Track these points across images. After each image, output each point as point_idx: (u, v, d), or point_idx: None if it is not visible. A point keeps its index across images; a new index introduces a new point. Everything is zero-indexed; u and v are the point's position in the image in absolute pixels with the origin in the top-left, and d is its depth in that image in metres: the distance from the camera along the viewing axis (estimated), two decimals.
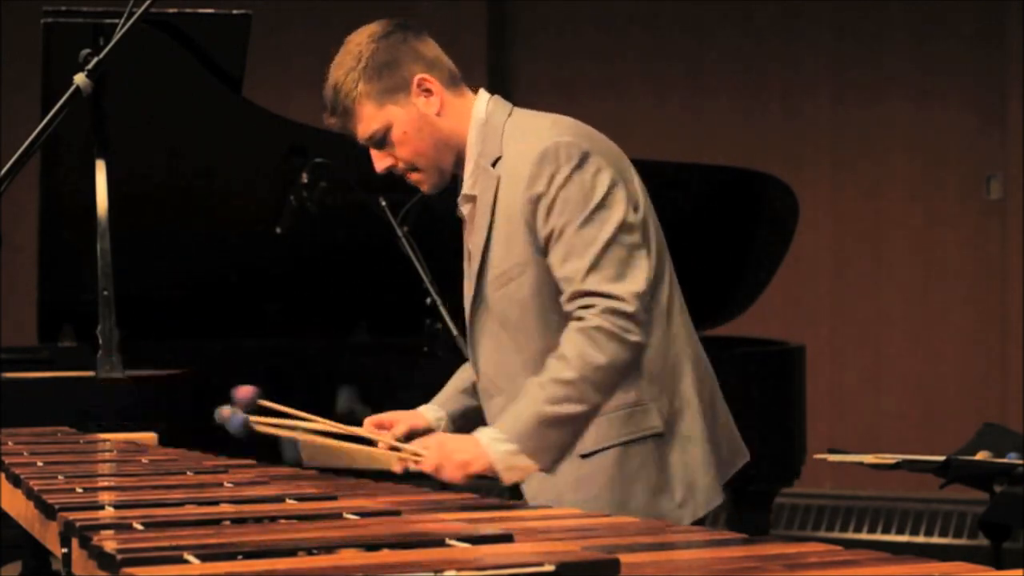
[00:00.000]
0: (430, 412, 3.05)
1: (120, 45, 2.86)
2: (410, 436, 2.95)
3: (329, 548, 1.74)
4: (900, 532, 7.10)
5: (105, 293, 3.89)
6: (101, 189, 4.03)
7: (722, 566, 1.83)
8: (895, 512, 7.14)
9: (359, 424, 2.99)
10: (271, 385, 3.11)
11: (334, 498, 2.24)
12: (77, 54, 3.63)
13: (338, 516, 2.05)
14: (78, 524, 1.93)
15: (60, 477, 2.45)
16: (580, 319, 2.72)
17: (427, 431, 2.98)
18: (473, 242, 2.90)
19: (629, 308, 2.70)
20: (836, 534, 7.07)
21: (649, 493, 2.82)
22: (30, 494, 2.33)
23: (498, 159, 2.84)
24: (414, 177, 2.91)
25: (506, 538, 1.81)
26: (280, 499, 2.21)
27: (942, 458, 3.44)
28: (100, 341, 3.86)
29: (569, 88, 7.40)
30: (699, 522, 2.81)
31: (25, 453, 2.82)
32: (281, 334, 5.03)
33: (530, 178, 2.77)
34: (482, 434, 2.75)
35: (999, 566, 2.06)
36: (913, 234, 7.34)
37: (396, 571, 1.59)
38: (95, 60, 2.86)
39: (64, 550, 1.99)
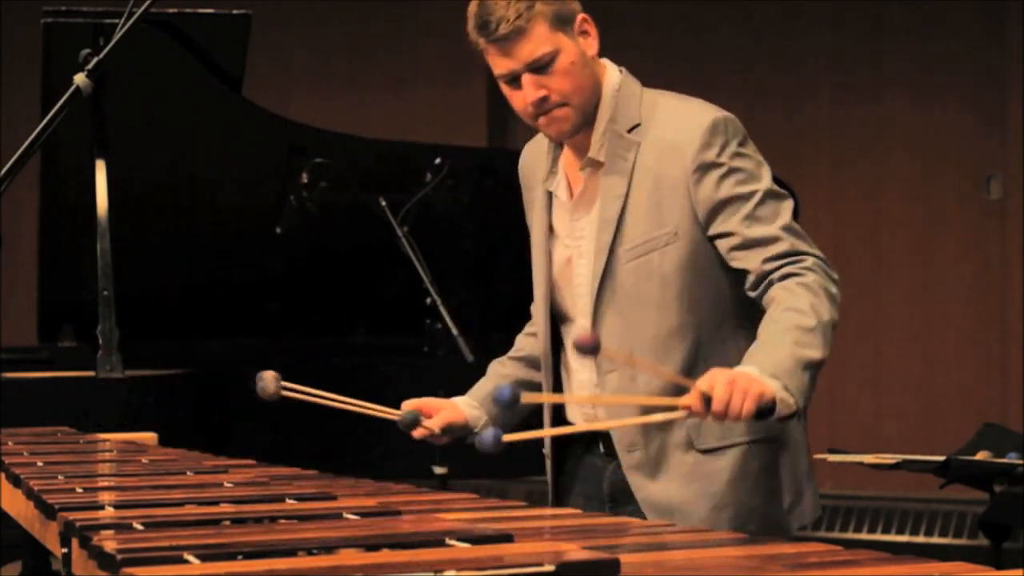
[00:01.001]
0: (467, 408, 2.92)
1: (120, 45, 2.86)
2: (446, 431, 2.86)
3: (329, 548, 1.74)
4: (900, 532, 7.09)
5: (105, 293, 3.89)
6: (101, 189, 4.03)
7: (722, 566, 1.84)
8: (895, 512, 7.13)
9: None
10: None
11: (334, 498, 2.24)
12: (77, 54, 3.64)
13: (338, 516, 2.05)
14: (78, 524, 1.93)
15: (60, 477, 2.45)
16: (797, 275, 2.61)
17: (464, 427, 2.88)
18: (599, 211, 2.76)
19: (831, 270, 2.65)
20: (836, 534, 7.07)
21: (767, 495, 2.76)
22: (30, 494, 2.33)
23: (636, 126, 2.74)
24: (559, 114, 2.72)
25: (506, 538, 1.81)
26: (280, 499, 2.22)
27: (942, 458, 3.44)
28: (100, 341, 3.86)
29: None
30: (801, 530, 2.75)
31: (25, 453, 2.82)
32: (281, 334, 5.03)
33: (701, 145, 2.68)
34: (749, 368, 2.45)
35: (999, 566, 2.06)
36: (913, 234, 7.33)
37: (396, 571, 1.59)
38: (95, 60, 2.86)
39: (64, 550, 1.99)
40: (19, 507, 2.52)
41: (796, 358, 2.48)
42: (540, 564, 1.59)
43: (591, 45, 2.74)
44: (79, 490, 2.30)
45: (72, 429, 3.36)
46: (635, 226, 2.72)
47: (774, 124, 7.27)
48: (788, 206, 2.70)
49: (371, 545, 1.76)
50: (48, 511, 2.16)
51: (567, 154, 2.84)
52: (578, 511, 2.39)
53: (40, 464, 2.66)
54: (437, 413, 2.87)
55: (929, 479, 3.59)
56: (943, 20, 7.24)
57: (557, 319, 2.89)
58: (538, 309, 2.91)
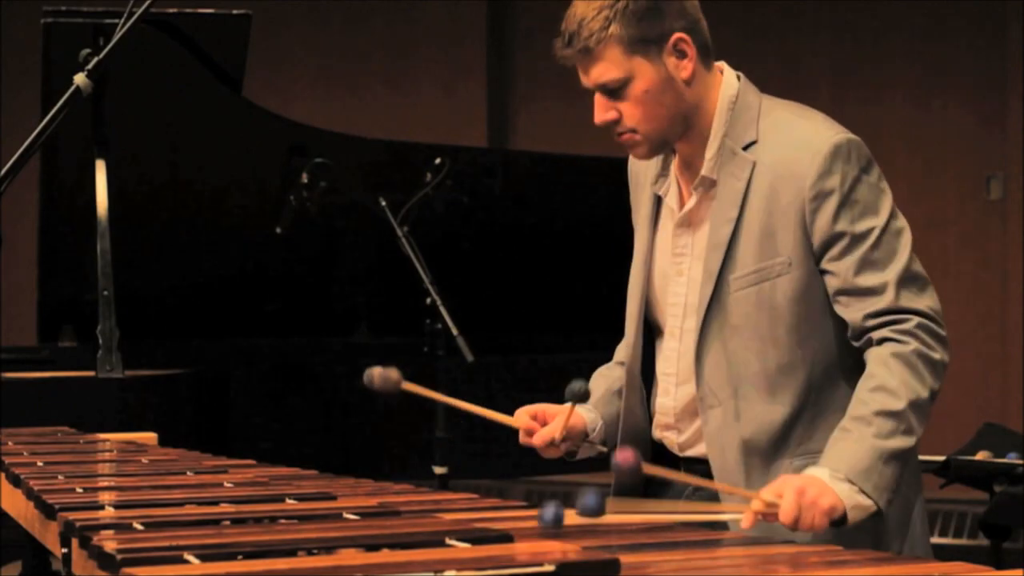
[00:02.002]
0: (585, 412, 2.72)
1: (120, 45, 2.86)
2: (566, 438, 2.67)
3: (329, 548, 1.74)
4: None
5: (105, 293, 3.89)
6: (101, 189, 4.03)
7: (722, 566, 1.84)
8: None
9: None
10: (271, 385, 3.12)
11: (334, 498, 2.24)
12: (77, 54, 3.64)
13: (338, 516, 2.04)
14: (78, 524, 1.93)
15: (60, 477, 2.45)
16: (895, 341, 2.46)
17: (583, 434, 2.71)
18: (709, 233, 2.59)
19: (940, 330, 2.49)
20: None
21: (873, 543, 2.47)
22: (30, 494, 2.33)
23: (752, 143, 2.57)
24: (628, 139, 2.58)
25: (506, 538, 1.81)
26: (280, 499, 2.21)
27: (942, 458, 3.44)
28: (100, 341, 3.86)
29: (569, 89, 7.39)
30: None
31: (25, 453, 2.82)
32: (281, 334, 5.02)
33: (821, 171, 2.51)
34: (817, 472, 2.35)
35: (999, 566, 2.06)
36: (913, 234, 7.32)
37: (396, 571, 1.59)
38: (95, 60, 2.86)
39: (64, 550, 1.99)
40: (19, 507, 2.52)
41: (877, 453, 2.37)
42: (540, 564, 1.59)
43: (685, 68, 2.56)
44: (79, 490, 2.30)
45: (72, 429, 3.36)
46: (746, 253, 2.55)
47: None
48: (906, 243, 2.55)
49: (371, 545, 1.76)
50: (48, 511, 2.16)
51: (679, 160, 2.66)
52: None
53: (40, 464, 2.66)
54: (553, 419, 2.68)
55: (929, 479, 3.58)
56: (943, 20, 7.24)
57: (652, 332, 2.72)
58: (631, 322, 2.73)
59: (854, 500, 2.32)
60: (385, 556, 1.71)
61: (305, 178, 4.64)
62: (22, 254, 4.64)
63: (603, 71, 2.54)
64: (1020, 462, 3.37)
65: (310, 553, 1.72)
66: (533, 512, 2.30)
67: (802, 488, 2.28)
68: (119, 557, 1.65)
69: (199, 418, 4.04)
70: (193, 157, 4.73)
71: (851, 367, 2.54)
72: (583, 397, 2.55)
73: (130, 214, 4.27)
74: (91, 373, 3.86)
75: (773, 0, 7.42)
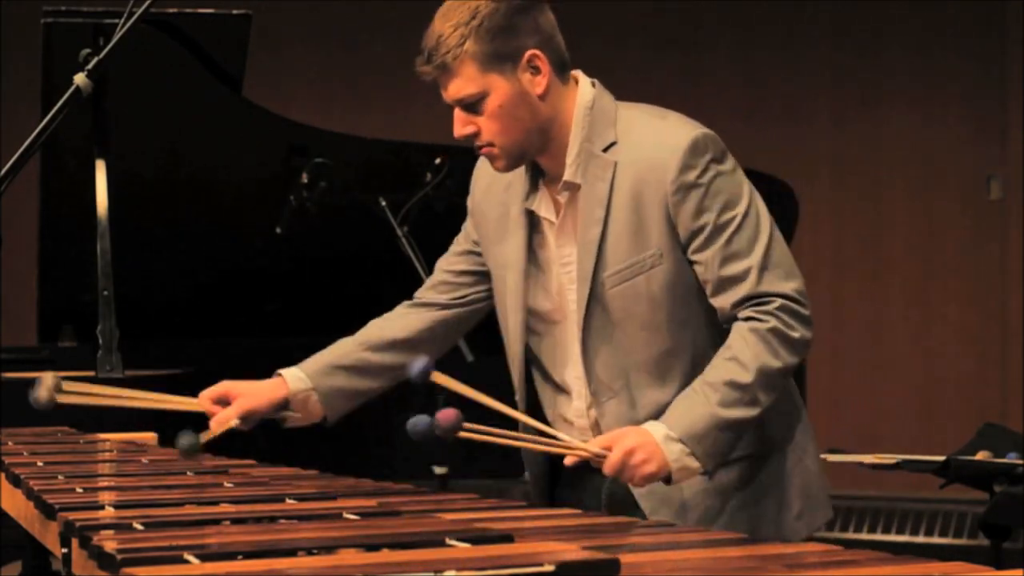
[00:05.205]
0: (294, 381, 2.88)
1: (120, 45, 2.86)
2: (246, 418, 2.80)
3: (329, 548, 1.74)
4: (900, 532, 7.09)
5: (105, 293, 3.89)
6: (101, 189, 4.03)
7: (722, 566, 1.84)
8: (895, 512, 7.13)
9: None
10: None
11: (334, 498, 2.25)
12: (77, 54, 3.64)
13: (338, 516, 2.05)
14: (78, 524, 1.93)
15: (60, 477, 2.46)
16: (754, 319, 2.59)
17: (271, 410, 2.85)
18: (578, 235, 2.70)
19: (802, 310, 2.60)
20: (836, 534, 7.07)
21: (777, 507, 2.74)
22: (30, 494, 2.33)
23: (611, 145, 2.67)
24: (487, 152, 2.70)
25: (506, 538, 1.81)
26: (280, 499, 2.22)
27: (942, 458, 3.44)
28: (100, 341, 3.86)
29: None
30: (811, 538, 2.70)
31: (25, 453, 2.82)
32: (281, 334, 5.02)
33: (681, 167, 2.61)
34: (655, 429, 2.55)
35: (999, 566, 2.06)
36: (913, 234, 7.33)
37: (396, 571, 1.59)
38: (95, 60, 2.85)
39: (64, 550, 1.99)
40: (19, 507, 2.52)
41: (716, 420, 2.54)
42: (540, 564, 1.59)
43: (539, 83, 2.65)
44: (79, 490, 2.30)
45: (72, 429, 3.36)
46: (618, 250, 2.67)
47: (775, 124, 7.27)
48: (766, 227, 2.64)
49: (371, 545, 1.76)
50: (48, 511, 2.17)
51: (547, 175, 2.77)
52: (578, 511, 2.39)
53: (40, 464, 2.66)
54: (237, 399, 2.85)
55: (929, 479, 3.58)
56: (943, 20, 7.24)
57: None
58: (512, 336, 2.82)
59: (682, 463, 2.54)
60: (385, 556, 1.72)
61: (305, 178, 4.64)
62: (22, 254, 4.63)
63: (460, 87, 2.65)
64: (1020, 462, 3.37)
65: (310, 553, 1.72)
66: (533, 512, 2.31)
67: (632, 449, 2.52)
68: (119, 557, 1.66)
69: (199, 418, 4.03)
70: (193, 157, 4.73)
71: None
72: (191, 452, 2.74)
73: (130, 214, 4.26)
74: (91, 373, 3.86)
75: (771, 9, 7.42)
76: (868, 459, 3.58)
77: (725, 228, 2.62)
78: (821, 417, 6.58)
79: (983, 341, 7.17)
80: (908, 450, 3.75)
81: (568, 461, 2.54)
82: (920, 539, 7.01)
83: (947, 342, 7.22)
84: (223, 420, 2.82)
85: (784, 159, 6.91)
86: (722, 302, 2.64)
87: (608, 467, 2.52)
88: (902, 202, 7.35)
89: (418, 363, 2.52)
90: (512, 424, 2.65)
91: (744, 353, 2.57)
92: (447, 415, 2.42)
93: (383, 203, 4.64)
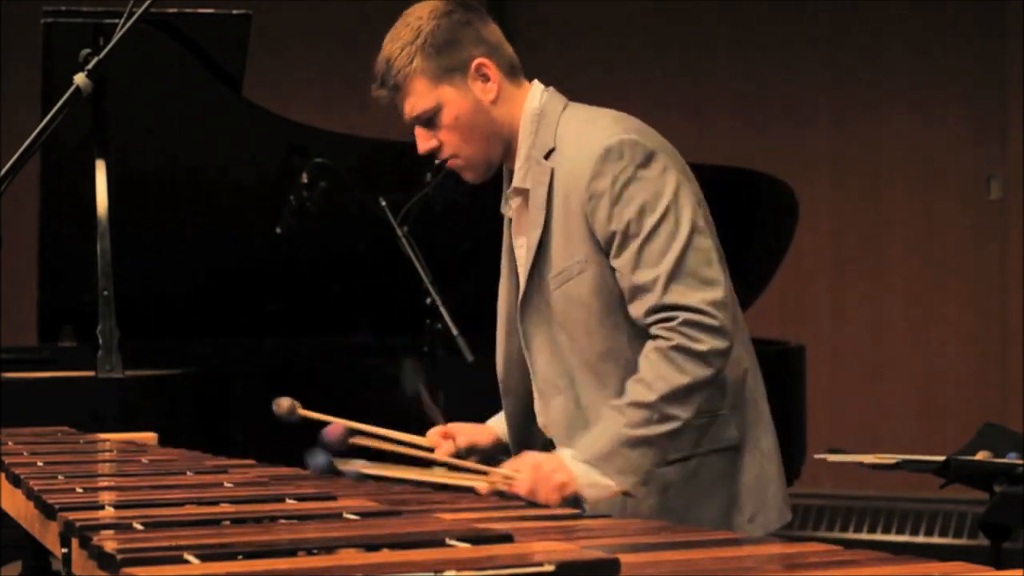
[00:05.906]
0: (499, 426, 2.94)
1: (120, 45, 2.86)
2: (470, 452, 2.86)
3: (329, 548, 1.74)
4: (900, 532, 7.10)
5: (105, 293, 3.89)
6: (101, 189, 4.03)
7: (722, 566, 1.84)
8: (895, 512, 7.14)
9: (419, 400, 2.92)
10: (271, 385, 3.11)
11: (334, 498, 2.24)
12: (77, 54, 3.63)
13: (338, 516, 2.05)
14: (78, 524, 1.93)
15: (60, 477, 2.45)
16: (659, 337, 2.59)
17: (494, 448, 2.89)
18: (526, 238, 2.77)
19: (710, 321, 2.58)
20: (836, 534, 7.07)
21: (722, 508, 2.74)
22: (30, 494, 2.33)
23: (551, 151, 2.72)
24: (454, 164, 2.78)
25: (506, 538, 1.81)
26: (280, 499, 2.22)
27: (942, 458, 3.44)
28: (100, 341, 3.86)
29: (568, 90, 7.39)
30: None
31: (25, 453, 2.82)
32: (281, 334, 5.02)
33: (593, 174, 2.64)
34: (562, 453, 2.61)
35: (999, 566, 2.06)
36: (913, 234, 7.33)
37: (396, 571, 1.59)
38: (95, 60, 2.85)
39: (64, 550, 1.99)
40: (19, 507, 2.52)
41: (622, 439, 2.56)
42: (540, 564, 1.59)
43: (490, 90, 2.74)
44: (79, 490, 2.30)
45: (72, 429, 3.36)
46: (556, 254, 2.72)
47: (775, 124, 7.27)
48: (683, 235, 2.62)
49: (371, 545, 1.76)
50: (48, 511, 2.17)
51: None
52: (578, 511, 2.39)
53: (40, 464, 2.66)
54: (459, 436, 2.89)
55: (929, 479, 3.59)
56: (943, 21, 7.25)
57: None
58: (498, 337, 2.90)
59: (590, 479, 2.56)
60: (385, 556, 1.72)
61: (305, 178, 4.64)
62: (22, 254, 4.63)
63: (414, 104, 2.74)
64: (1020, 462, 3.37)
65: (310, 553, 1.72)
66: (533, 512, 2.31)
67: (538, 464, 2.56)
68: (119, 557, 1.66)
69: (199, 418, 4.04)
70: (193, 157, 4.73)
71: None
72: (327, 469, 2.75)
73: (130, 214, 4.26)
74: (91, 373, 3.86)
75: (770, 10, 7.42)
76: (868, 459, 3.58)
77: (636, 236, 2.63)
78: (821, 417, 6.59)
79: (983, 341, 7.17)
80: (908, 450, 3.75)
81: (480, 489, 2.57)
82: (920, 539, 7.02)
83: (947, 342, 7.22)
84: (449, 451, 2.87)
85: (784, 159, 6.92)
86: (635, 311, 2.65)
87: (520, 486, 2.54)
88: (902, 202, 7.35)
89: (318, 459, 2.67)
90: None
91: (648, 374, 2.58)
92: (333, 430, 2.62)
93: (383, 203, 4.63)
